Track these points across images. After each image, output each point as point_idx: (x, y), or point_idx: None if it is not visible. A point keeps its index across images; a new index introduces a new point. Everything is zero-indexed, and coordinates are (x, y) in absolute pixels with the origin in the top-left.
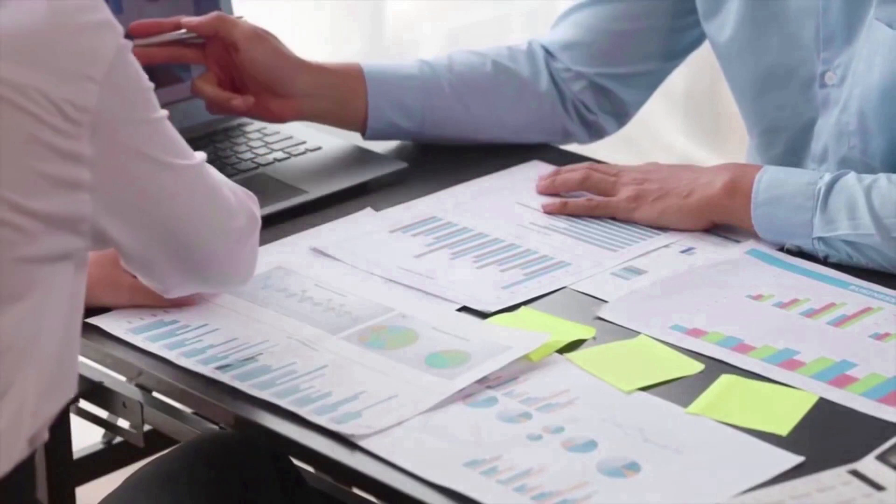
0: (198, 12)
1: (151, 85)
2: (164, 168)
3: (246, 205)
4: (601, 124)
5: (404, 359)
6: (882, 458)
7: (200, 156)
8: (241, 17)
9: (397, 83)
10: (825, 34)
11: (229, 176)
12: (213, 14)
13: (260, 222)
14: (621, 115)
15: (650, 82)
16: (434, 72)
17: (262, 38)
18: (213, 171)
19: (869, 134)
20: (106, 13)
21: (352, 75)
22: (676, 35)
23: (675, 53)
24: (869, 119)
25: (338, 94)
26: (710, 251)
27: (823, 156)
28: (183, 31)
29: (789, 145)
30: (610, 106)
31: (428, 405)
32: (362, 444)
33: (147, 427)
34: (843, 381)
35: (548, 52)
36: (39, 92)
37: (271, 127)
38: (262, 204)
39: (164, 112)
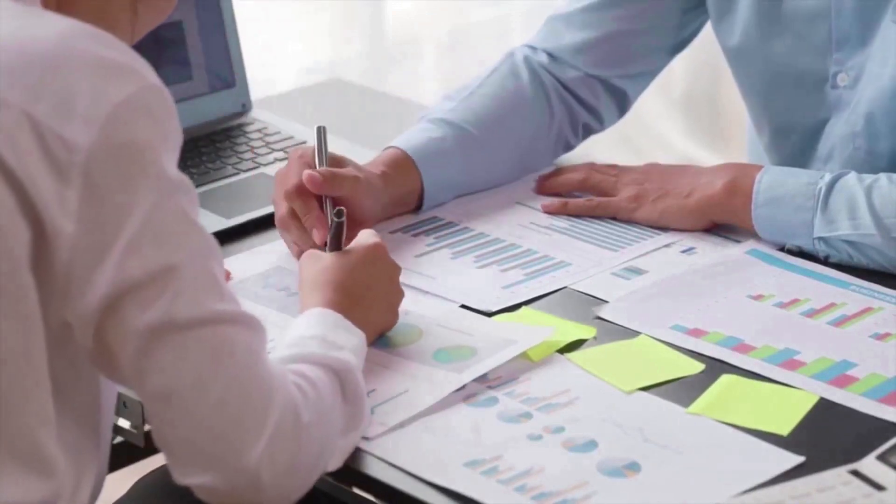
0: (198, 12)
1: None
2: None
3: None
4: (603, 128)
5: (411, 355)
6: (882, 458)
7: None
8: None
9: (446, 168)
10: (838, 36)
11: (229, 176)
12: (327, 173)
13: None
14: (622, 111)
15: (653, 76)
16: (468, 138)
17: (367, 186)
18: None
19: (876, 135)
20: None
21: (409, 175)
22: (683, 29)
23: (680, 46)
24: (878, 120)
25: (400, 199)
26: (711, 251)
27: (829, 156)
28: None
29: (800, 146)
30: (617, 108)
31: (438, 398)
32: (363, 444)
33: (148, 427)
34: (843, 381)
35: (553, 58)
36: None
37: (272, 127)
38: (263, 204)
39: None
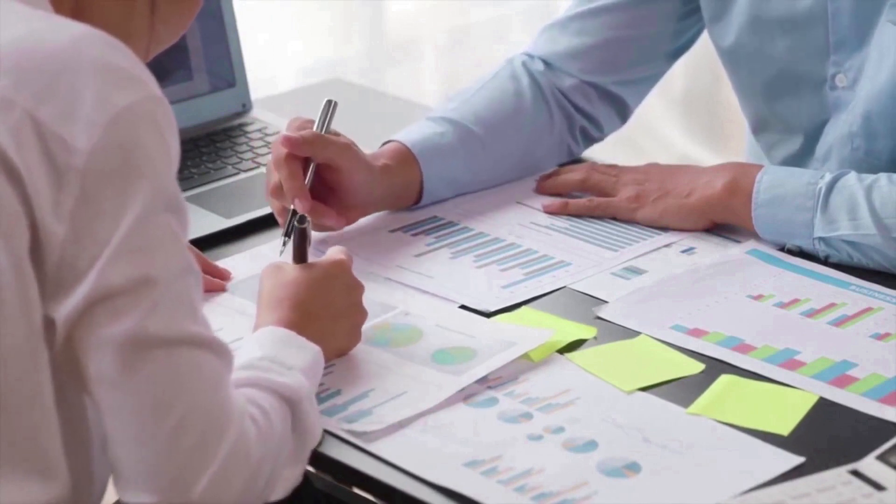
0: (198, 17)
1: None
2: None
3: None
4: (603, 136)
5: (411, 356)
6: (882, 458)
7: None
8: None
9: (447, 162)
10: (836, 38)
11: (229, 176)
12: (311, 134)
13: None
14: (624, 119)
15: (653, 83)
16: (469, 135)
17: (358, 157)
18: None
19: (874, 135)
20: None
21: (409, 168)
22: (680, 35)
23: (677, 53)
24: (875, 120)
25: (399, 192)
26: (711, 251)
27: (827, 156)
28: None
29: (799, 147)
30: (616, 115)
31: (437, 401)
32: (363, 443)
33: None
34: (843, 381)
35: (548, 65)
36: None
37: (272, 127)
38: (263, 204)
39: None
